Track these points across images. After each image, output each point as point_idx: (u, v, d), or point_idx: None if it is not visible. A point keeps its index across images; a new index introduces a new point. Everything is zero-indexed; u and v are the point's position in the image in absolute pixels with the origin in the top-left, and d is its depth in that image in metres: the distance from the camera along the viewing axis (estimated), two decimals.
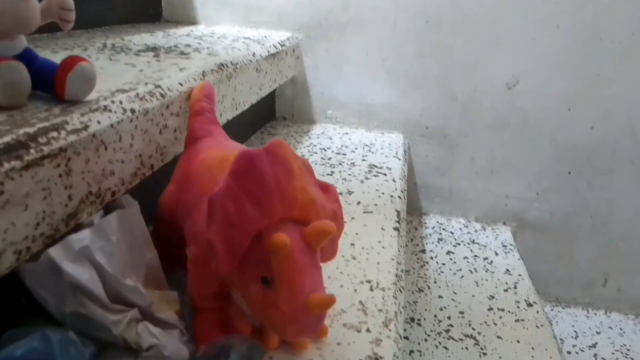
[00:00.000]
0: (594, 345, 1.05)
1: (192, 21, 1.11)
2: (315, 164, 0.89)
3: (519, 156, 1.09)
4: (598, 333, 1.09)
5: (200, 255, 0.38)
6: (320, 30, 1.07)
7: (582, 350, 1.04)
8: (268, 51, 0.85)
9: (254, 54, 0.78)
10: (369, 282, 0.54)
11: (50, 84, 0.39)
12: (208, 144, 0.48)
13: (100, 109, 0.40)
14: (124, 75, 0.52)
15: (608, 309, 1.15)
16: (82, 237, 0.33)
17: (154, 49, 0.71)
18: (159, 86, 0.50)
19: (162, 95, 0.49)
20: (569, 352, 1.03)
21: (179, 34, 0.91)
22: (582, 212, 1.09)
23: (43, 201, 0.33)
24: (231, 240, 0.34)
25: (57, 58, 0.41)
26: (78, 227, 0.36)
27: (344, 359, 0.41)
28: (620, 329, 1.10)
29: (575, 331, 1.09)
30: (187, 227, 0.42)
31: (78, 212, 0.37)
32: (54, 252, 0.31)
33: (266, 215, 0.35)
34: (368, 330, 0.46)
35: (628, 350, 1.04)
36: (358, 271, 0.56)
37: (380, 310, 0.49)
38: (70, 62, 0.38)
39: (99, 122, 0.39)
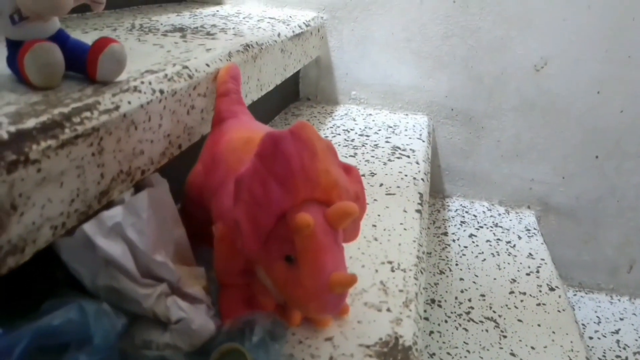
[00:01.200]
0: (617, 332, 1.04)
1: (217, 1, 1.12)
2: (339, 145, 0.89)
3: (545, 139, 1.07)
4: (621, 319, 1.08)
5: (227, 233, 0.39)
6: (345, 10, 1.06)
7: (605, 336, 1.03)
8: (293, 31, 0.85)
9: (279, 35, 0.78)
10: (390, 262, 0.55)
11: (83, 65, 0.40)
12: (234, 125, 0.49)
13: (130, 90, 0.41)
14: (153, 56, 0.53)
15: (633, 296, 1.14)
16: (115, 214, 0.34)
17: (181, 30, 0.72)
18: (186, 67, 0.51)
19: (190, 76, 0.50)
20: (590, 338, 1.02)
21: (205, 14, 0.91)
22: (608, 197, 1.07)
23: (77, 179, 0.34)
24: (257, 219, 0.35)
25: (87, 38, 0.42)
26: (110, 205, 0.38)
27: (364, 336, 0.42)
28: None
29: (598, 317, 1.08)
30: (213, 205, 0.43)
31: (110, 190, 0.38)
32: (88, 227, 0.33)
33: (290, 195, 0.36)
34: (389, 310, 0.46)
35: None
36: (379, 252, 0.56)
37: (401, 291, 0.50)
38: (102, 43, 0.39)
39: (129, 103, 0.40)
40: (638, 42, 0.95)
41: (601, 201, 1.08)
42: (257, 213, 0.36)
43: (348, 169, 0.41)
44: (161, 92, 0.44)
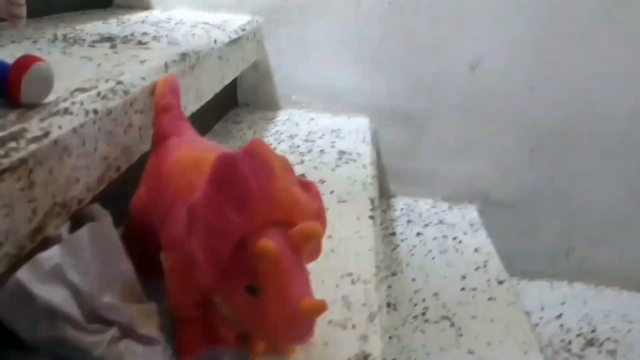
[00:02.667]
0: (560, 316, 1.09)
1: (145, 6, 1.06)
2: (285, 152, 0.87)
3: (483, 136, 1.10)
4: (563, 304, 1.13)
5: (180, 265, 0.36)
6: (282, 13, 1.04)
7: (549, 322, 1.07)
8: (229, 37, 0.82)
9: (215, 41, 0.75)
10: (349, 275, 0.53)
11: (3, 87, 0.36)
12: (178, 142, 0.45)
13: (60, 112, 0.37)
14: (82, 71, 0.49)
15: (571, 280, 1.20)
16: (52, 255, 0.30)
17: (110, 39, 0.67)
18: (120, 82, 0.47)
19: (125, 92, 0.46)
20: (536, 324, 1.06)
21: (134, 21, 0.86)
22: (545, 187, 1.12)
23: (5, 218, 0.30)
24: (214, 249, 0.33)
25: (4, 54, 0.38)
26: (45, 242, 0.34)
27: (333, 359, 0.41)
28: (583, 298, 1.15)
29: (541, 303, 1.12)
30: (162, 233, 0.40)
31: (44, 226, 0.34)
32: (22, 274, 0.29)
33: (249, 220, 0.33)
34: (354, 327, 0.45)
35: (591, 318, 1.09)
36: (338, 264, 0.55)
37: (363, 305, 0.48)
38: (24, 62, 0.35)
39: (60, 127, 0.36)
40: (565, 38, 1.00)
41: (538, 192, 1.12)
42: (213, 242, 0.33)
43: (306, 185, 0.39)
44: (95, 112, 0.40)
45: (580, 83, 1.02)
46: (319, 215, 0.38)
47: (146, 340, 0.33)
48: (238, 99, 1.13)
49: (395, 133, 1.11)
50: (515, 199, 1.14)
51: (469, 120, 1.08)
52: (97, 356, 0.31)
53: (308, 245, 0.34)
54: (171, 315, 0.39)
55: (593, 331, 1.07)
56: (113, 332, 0.32)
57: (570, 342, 1.04)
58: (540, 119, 1.06)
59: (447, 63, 1.04)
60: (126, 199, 0.46)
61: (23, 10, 0.37)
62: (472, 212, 1.13)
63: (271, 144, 0.91)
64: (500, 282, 0.87)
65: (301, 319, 0.32)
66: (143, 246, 0.43)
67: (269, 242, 0.31)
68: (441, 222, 1.07)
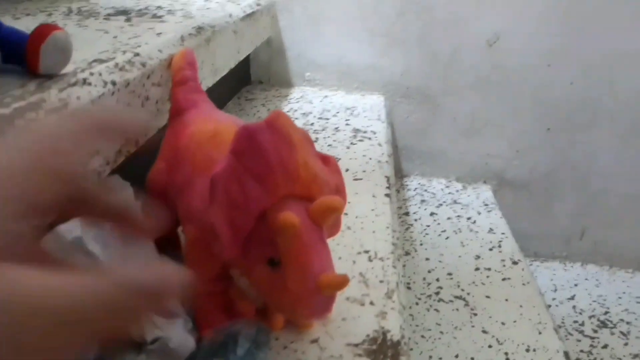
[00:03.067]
0: (572, 298, 1.08)
1: None
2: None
3: (499, 115, 1.08)
4: (576, 285, 1.12)
5: (200, 238, 0.36)
6: None
7: (562, 303, 1.07)
8: (244, 11, 0.80)
9: (230, 15, 0.74)
10: (366, 252, 0.53)
11: (21, 56, 0.35)
12: (195, 116, 0.45)
13: (79, 83, 0.36)
14: (98, 43, 0.48)
15: (584, 262, 1.19)
16: (73, 227, 0.30)
17: (124, 12, 0.66)
18: (138, 54, 0.46)
19: (143, 64, 0.45)
20: (549, 305, 1.06)
21: None
22: (561, 168, 1.10)
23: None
24: (235, 221, 0.32)
25: (21, 25, 0.37)
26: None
27: (350, 335, 0.41)
28: (597, 280, 1.14)
29: (554, 284, 1.12)
30: (180, 206, 0.40)
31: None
32: (44, 245, 0.28)
33: (270, 193, 0.33)
34: (372, 303, 0.45)
35: (604, 300, 1.08)
36: (354, 241, 0.55)
37: (381, 282, 0.48)
38: (42, 31, 0.34)
39: (78, 98, 0.35)
40: (585, 16, 0.97)
41: (554, 173, 1.11)
42: (235, 215, 0.32)
43: (326, 159, 0.38)
44: (113, 83, 0.40)
45: (599, 62, 1.00)
46: (339, 189, 0.38)
47: (167, 314, 0.33)
48: (251, 76, 1.12)
49: (409, 111, 1.10)
50: (530, 179, 1.13)
51: (485, 98, 1.07)
52: None
53: (329, 220, 0.33)
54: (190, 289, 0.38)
55: (606, 313, 1.07)
56: None
57: (583, 324, 1.04)
58: (558, 97, 1.04)
59: (464, 39, 1.02)
60: (143, 172, 0.46)
61: None
62: (486, 192, 1.12)
63: None
64: (515, 263, 0.86)
65: (321, 293, 0.31)
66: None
67: (291, 215, 0.30)
68: (455, 202, 1.07)
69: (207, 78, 0.65)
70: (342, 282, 0.31)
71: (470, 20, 1.00)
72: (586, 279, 1.15)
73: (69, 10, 0.64)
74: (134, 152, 0.44)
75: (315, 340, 0.40)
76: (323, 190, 0.35)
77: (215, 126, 0.41)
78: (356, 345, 0.39)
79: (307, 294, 0.32)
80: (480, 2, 0.98)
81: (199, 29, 0.61)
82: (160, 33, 0.55)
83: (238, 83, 1.07)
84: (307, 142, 0.36)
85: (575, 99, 1.04)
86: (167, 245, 0.42)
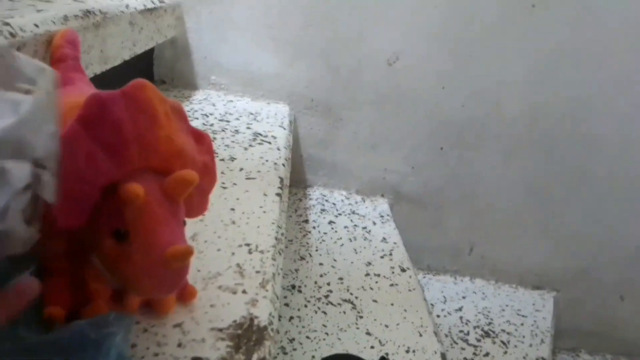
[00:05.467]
0: (460, 309, 1.14)
1: None
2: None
3: (397, 131, 1.13)
4: (464, 297, 1.18)
5: (49, 210, 0.33)
6: None
7: (450, 314, 1.12)
8: (144, 5, 0.78)
9: (127, 6, 0.72)
10: (247, 245, 0.52)
11: None
12: (70, 91, 0.43)
13: None
14: None
15: (473, 276, 1.26)
16: None
17: None
18: (7, 24, 0.43)
19: (12, 35, 0.43)
20: (438, 316, 1.11)
21: None
22: (452, 185, 1.17)
23: None
24: (77, 192, 0.31)
25: None
26: None
27: (217, 320, 0.40)
28: (483, 293, 1.21)
29: (444, 296, 1.17)
30: None
31: None
32: None
33: (121, 166, 0.32)
34: (244, 292, 0.44)
35: (489, 312, 1.15)
36: (237, 235, 0.54)
37: (257, 272, 0.48)
38: None
39: None
40: (476, 41, 1.05)
41: (446, 189, 1.17)
42: (77, 185, 0.31)
43: (199, 136, 0.38)
44: None
45: (487, 86, 1.08)
46: (207, 168, 0.37)
47: None
48: (154, 75, 1.09)
49: (313, 122, 1.12)
50: (424, 194, 1.19)
51: (384, 115, 1.11)
52: None
53: (183, 194, 0.33)
54: (40, 264, 0.36)
55: (489, 324, 1.14)
56: None
57: (468, 333, 1.09)
58: (450, 117, 1.11)
59: (366, 56, 1.07)
60: None
61: None
62: (383, 205, 1.16)
63: None
64: (403, 270, 0.90)
65: (167, 266, 0.30)
66: None
67: (136, 186, 0.30)
68: (353, 212, 1.09)
69: (95, 64, 0.62)
70: (187, 252, 0.31)
71: (371, 38, 1.04)
72: (474, 292, 1.22)
73: None
74: None
75: (178, 325, 0.38)
76: (187, 166, 0.35)
77: (80, 99, 0.40)
78: (220, 329, 0.39)
79: (152, 265, 0.31)
80: (381, 21, 1.03)
81: (87, 12, 0.58)
82: (42, 10, 0.52)
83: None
84: (175, 114, 0.35)
85: (465, 120, 1.11)
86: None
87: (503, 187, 1.17)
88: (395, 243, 0.98)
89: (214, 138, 0.82)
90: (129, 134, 0.31)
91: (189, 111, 0.94)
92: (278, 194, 0.66)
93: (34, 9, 0.53)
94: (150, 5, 0.81)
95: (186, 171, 0.32)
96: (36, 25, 0.48)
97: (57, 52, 0.48)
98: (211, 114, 0.94)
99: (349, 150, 1.15)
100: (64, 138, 0.30)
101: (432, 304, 1.16)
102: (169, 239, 0.31)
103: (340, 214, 1.07)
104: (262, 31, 1.04)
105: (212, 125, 0.88)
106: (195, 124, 0.87)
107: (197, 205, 0.37)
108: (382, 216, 1.09)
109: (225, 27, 1.04)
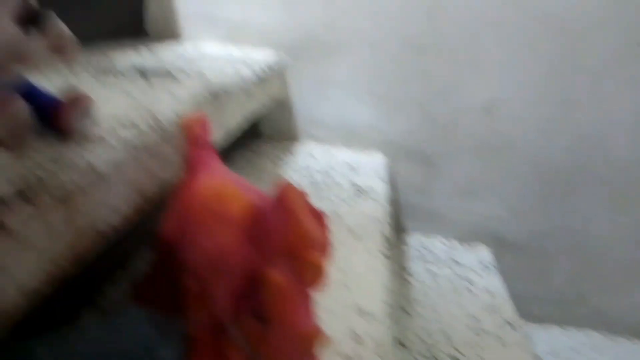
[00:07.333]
0: None
1: (175, 36, 1.11)
2: (300, 184, 0.90)
3: (497, 177, 1.11)
4: (573, 350, 1.12)
5: (198, 290, 0.38)
6: (305, 51, 1.08)
7: None
8: (256, 74, 0.85)
9: (243, 78, 0.78)
10: (359, 309, 0.55)
11: (49, 117, 0.39)
12: (205, 173, 0.48)
13: (102, 144, 0.40)
14: (118, 103, 0.52)
15: (584, 327, 1.19)
16: None
17: (143, 71, 0.70)
18: (155, 116, 0.50)
19: (160, 126, 0.49)
20: None
21: (165, 52, 0.90)
22: (558, 231, 1.12)
23: (48, 242, 0.33)
24: (228, 283, 0.35)
25: (42, 80, 0.41)
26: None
27: None
28: (596, 346, 1.14)
29: (551, 348, 1.12)
30: (186, 258, 0.42)
31: (83, 252, 0.36)
32: None
33: (265, 256, 0.36)
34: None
35: None
36: (348, 298, 0.56)
37: (372, 339, 0.50)
38: (72, 95, 0.38)
39: (101, 159, 0.38)
40: (580, 86, 1.02)
41: (551, 236, 1.13)
42: (230, 278, 0.35)
43: (317, 214, 0.41)
44: (132, 145, 0.43)
45: (593, 129, 1.04)
46: (325, 246, 0.40)
47: None
48: (259, 130, 1.16)
49: (410, 170, 1.13)
50: (527, 241, 1.15)
51: (483, 161, 1.10)
52: None
53: (316, 280, 0.36)
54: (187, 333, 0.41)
55: None
56: None
57: None
58: (554, 163, 1.08)
59: (463, 105, 1.07)
60: (155, 227, 0.49)
61: (73, 48, 0.39)
62: (484, 253, 1.13)
63: (288, 174, 0.94)
64: (511, 325, 0.87)
65: (305, 350, 0.34)
66: (171, 269, 0.46)
67: (278, 276, 0.33)
68: (454, 261, 1.08)
69: (218, 136, 0.68)
70: (323, 338, 0.34)
71: (468, 87, 1.05)
72: (584, 345, 1.15)
73: (90, 64, 0.69)
74: (149, 208, 0.47)
75: None
76: (309, 247, 0.38)
77: (221, 183, 0.45)
78: None
79: (290, 349, 0.34)
80: (478, 71, 1.04)
81: (213, 92, 0.65)
82: (176, 95, 0.60)
83: (246, 136, 1.12)
84: (307, 203, 0.39)
85: (570, 165, 1.07)
86: (178, 292, 0.45)
87: (615, 235, 1.10)
88: (500, 295, 0.96)
89: (317, 193, 0.86)
90: (276, 232, 0.35)
91: (292, 165, 0.99)
92: (385, 254, 0.68)
93: (169, 95, 0.60)
94: (261, 73, 0.88)
95: (319, 259, 0.35)
96: (175, 113, 0.54)
97: (192, 136, 0.53)
98: (313, 167, 0.99)
99: (448, 196, 1.14)
100: (227, 239, 0.35)
101: (540, 357, 1.10)
102: (305, 322, 0.34)
103: (440, 263, 1.06)
104: (360, 87, 1.08)
105: (314, 178, 0.93)
106: (299, 177, 0.92)
107: (317, 281, 0.40)
108: (484, 265, 1.07)
109: (324, 83, 1.09)
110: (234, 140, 1.01)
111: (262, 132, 1.17)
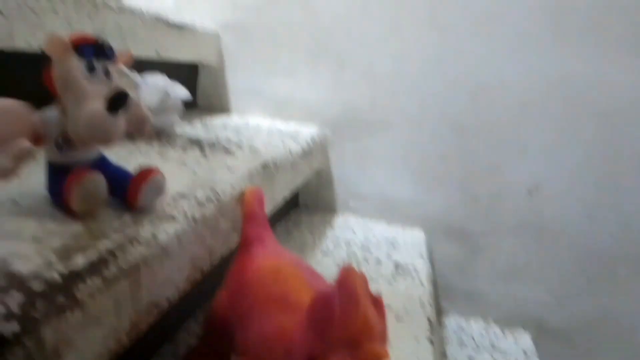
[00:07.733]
0: None
1: (224, 109, 1.16)
2: (342, 259, 0.89)
3: (539, 260, 1.08)
4: None
5: None
6: (348, 127, 1.11)
7: None
8: (302, 148, 0.88)
9: (290, 151, 0.81)
10: None
11: (123, 192, 0.40)
12: (261, 251, 0.48)
13: (167, 219, 0.41)
14: (179, 177, 0.54)
15: None
16: None
17: (198, 143, 0.73)
18: (214, 190, 0.51)
19: (218, 200, 0.50)
20: None
21: (216, 125, 0.94)
22: (603, 319, 1.07)
23: (114, 316, 0.33)
24: None
25: (111, 152, 0.43)
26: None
27: None
28: None
29: None
30: (238, 336, 0.42)
31: (139, 324, 0.37)
32: None
33: (325, 343, 0.35)
34: None
35: None
36: None
37: None
38: (145, 173, 0.40)
39: (166, 233, 0.39)
40: (625, 172, 1.01)
41: (596, 324, 1.08)
42: (288, 357, 0.35)
43: (376, 301, 0.41)
44: (194, 218, 0.44)
45: (639, 216, 1.02)
46: (383, 334, 0.39)
47: None
48: (299, 201, 1.18)
49: (449, 248, 1.12)
50: (571, 328, 1.10)
51: (525, 243, 1.08)
52: None
53: None
54: None
55: None
56: None
57: None
58: (599, 247, 1.05)
59: (505, 185, 1.06)
60: (205, 298, 0.49)
61: (150, 126, 0.42)
62: (525, 339, 1.08)
63: (328, 248, 0.93)
64: None
65: None
66: (221, 347, 0.45)
67: None
68: (494, 347, 1.04)
69: (267, 209, 0.69)
70: None
71: (510, 169, 1.05)
72: None
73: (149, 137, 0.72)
74: (200, 280, 0.47)
75: None
76: (370, 336, 0.37)
77: (278, 264, 0.45)
78: None
79: None
80: (521, 154, 1.04)
81: (265, 165, 0.67)
82: (231, 168, 0.61)
83: (286, 206, 1.13)
84: (367, 289, 0.38)
85: (616, 252, 1.04)
86: None
87: None
88: None
89: (359, 270, 0.85)
90: (339, 320, 0.34)
91: (332, 238, 0.99)
92: (429, 339, 0.66)
93: (225, 168, 0.62)
94: (306, 147, 0.90)
95: (380, 349, 0.35)
96: (232, 187, 0.56)
97: (248, 210, 0.54)
98: (353, 241, 0.98)
99: (488, 277, 1.11)
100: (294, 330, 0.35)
101: None
102: None
103: (480, 349, 1.02)
104: (399, 162, 1.10)
105: (355, 254, 0.92)
106: (340, 252, 0.92)
107: None
108: (526, 353, 1.02)
109: (365, 158, 1.11)
110: (276, 209, 1.03)
111: (302, 202, 1.18)
